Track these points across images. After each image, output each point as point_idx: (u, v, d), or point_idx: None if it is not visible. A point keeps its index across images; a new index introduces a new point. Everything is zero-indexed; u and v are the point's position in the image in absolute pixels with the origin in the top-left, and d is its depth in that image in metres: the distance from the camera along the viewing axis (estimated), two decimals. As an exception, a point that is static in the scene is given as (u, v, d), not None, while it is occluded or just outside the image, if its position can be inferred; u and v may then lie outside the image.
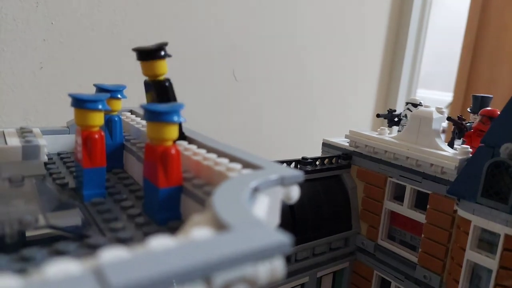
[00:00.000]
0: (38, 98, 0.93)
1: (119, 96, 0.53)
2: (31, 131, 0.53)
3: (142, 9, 1.04)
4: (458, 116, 0.87)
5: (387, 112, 0.96)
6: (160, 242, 0.25)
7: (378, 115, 0.97)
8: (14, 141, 0.48)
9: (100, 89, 0.52)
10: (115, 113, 0.53)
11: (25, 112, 0.93)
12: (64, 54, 0.95)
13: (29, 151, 0.46)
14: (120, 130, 0.54)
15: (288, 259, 0.82)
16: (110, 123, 0.53)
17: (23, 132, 0.52)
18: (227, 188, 0.34)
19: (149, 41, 1.08)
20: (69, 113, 0.94)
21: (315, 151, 1.03)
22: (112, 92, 0.52)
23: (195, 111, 1.19)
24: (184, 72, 1.14)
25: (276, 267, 0.26)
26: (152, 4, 1.05)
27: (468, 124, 0.87)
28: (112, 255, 0.23)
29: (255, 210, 0.33)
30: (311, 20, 1.40)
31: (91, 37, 0.98)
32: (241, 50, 1.25)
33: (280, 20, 1.32)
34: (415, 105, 0.90)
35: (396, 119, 0.95)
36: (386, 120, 0.97)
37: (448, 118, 0.86)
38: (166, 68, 0.48)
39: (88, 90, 0.93)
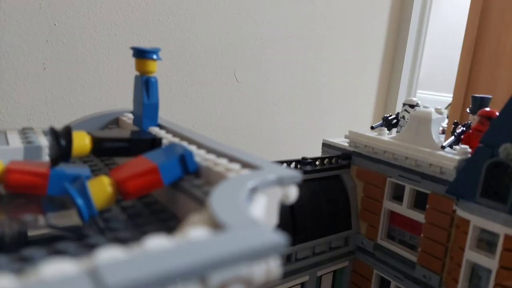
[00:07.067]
0: (41, 99, 0.94)
1: (154, 57, 0.53)
2: (33, 132, 0.52)
3: (144, 10, 1.04)
4: (454, 122, 0.88)
5: (382, 121, 0.96)
6: (156, 242, 0.25)
7: (372, 127, 0.96)
8: (16, 142, 0.47)
9: (137, 50, 0.53)
10: (152, 74, 0.54)
11: (28, 113, 0.93)
12: (67, 55, 0.95)
13: (31, 152, 0.46)
14: (156, 91, 0.55)
15: (288, 258, 0.83)
16: (148, 83, 0.54)
17: (25, 133, 0.52)
18: (224, 188, 0.34)
19: (151, 42, 1.08)
20: (72, 114, 0.95)
21: (315, 152, 1.03)
22: (147, 53, 0.53)
23: (195, 111, 1.20)
24: (185, 72, 1.15)
25: (272, 267, 0.27)
26: (155, 4, 1.06)
27: (468, 123, 0.87)
28: (108, 254, 0.23)
29: (252, 210, 0.34)
30: (311, 21, 1.40)
31: (93, 38, 0.98)
32: (242, 50, 1.25)
33: (280, 21, 1.32)
34: (412, 106, 0.90)
35: (393, 122, 0.95)
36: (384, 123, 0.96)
37: (454, 124, 0.86)
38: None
39: (90, 91, 0.94)
